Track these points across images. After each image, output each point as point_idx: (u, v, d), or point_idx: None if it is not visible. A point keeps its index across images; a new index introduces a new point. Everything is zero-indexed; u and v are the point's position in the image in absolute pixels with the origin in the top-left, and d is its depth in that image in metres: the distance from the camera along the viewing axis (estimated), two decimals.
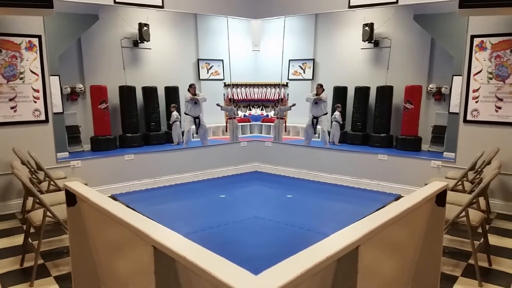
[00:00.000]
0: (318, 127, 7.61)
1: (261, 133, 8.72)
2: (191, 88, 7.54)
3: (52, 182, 4.55)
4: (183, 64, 8.31)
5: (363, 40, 7.44)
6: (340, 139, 7.70)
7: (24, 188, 3.70)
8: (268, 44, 8.52)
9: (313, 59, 8.37)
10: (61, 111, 6.32)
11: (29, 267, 3.59)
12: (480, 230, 3.60)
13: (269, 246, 4.22)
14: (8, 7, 4.52)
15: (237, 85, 8.51)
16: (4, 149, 5.13)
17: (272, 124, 8.38)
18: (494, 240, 4.25)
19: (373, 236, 1.51)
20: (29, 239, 3.84)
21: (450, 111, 6.26)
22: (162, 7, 6.42)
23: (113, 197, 5.78)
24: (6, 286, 3.33)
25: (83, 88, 7.14)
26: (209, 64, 8.43)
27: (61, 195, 2.37)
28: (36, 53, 5.38)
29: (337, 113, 7.68)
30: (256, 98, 8.79)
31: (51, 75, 5.61)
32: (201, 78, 8.38)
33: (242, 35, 8.39)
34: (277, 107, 8.29)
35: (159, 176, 6.63)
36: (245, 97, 8.68)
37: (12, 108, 5.29)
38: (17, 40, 5.25)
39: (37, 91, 5.44)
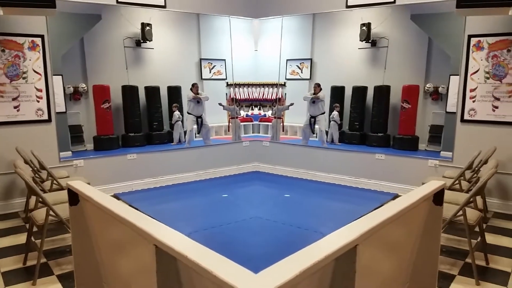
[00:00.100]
0: (316, 126, 7.62)
1: (259, 132, 8.73)
2: (194, 87, 7.55)
3: (55, 181, 4.58)
4: (185, 63, 8.31)
5: (360, 40, 7.45)
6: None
7: (27, 187, 3.72)
8: (265, 44, 8.52)
9: (311, 59, 8.38)
10: (64, 110, 6.32)
11: (32, 265, 3.60)
12: (477, 229, 3.62)
13: (268, 245, 4.23)
14: (11, 7, 4.54)
15: (239, 85, 8.51)
16: (7, 148, 5.16)
17: (270, 123, 8.39)
18: (491, 238, 4.27)
19: (371, 235, 1.52)
20: (32, 238, 3.85)
21: (447, 110, 6.27)
22: (164, 7, 6.44)
23: (116, 196, 5.82)
24: (9, 285, 3.34)
25: (86, 88, 7.14)
26: (211, 63, 8.43)
27: (64, 194, 2.37)
28: (39, 52, 5.41)
29: (335, 113, 7.69)
30: (254, 97, 8.79)
31: (54, 75, 5.63)
32: (203, 77, 8.38)
33: (244, 34, 8.39)
34: (274, 106, 8.29)
35: (162, 175, 6.65)
36: (247, 97, 8.68)
37: (15, 107, 5.32)
38: (20, 40, 5.27)
39: (40, 90, 5.46)
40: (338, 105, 7.75)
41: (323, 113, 7.61)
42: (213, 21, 8.16)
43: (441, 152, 6.20)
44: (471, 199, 3.59)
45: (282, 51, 8.05)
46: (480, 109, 5.37)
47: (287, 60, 8.42)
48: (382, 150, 6.74)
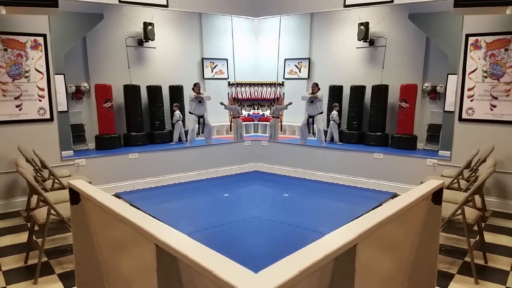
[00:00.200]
0: (314, 126, 7.62)
1: (258, 132, 8.73)
2: (195, 87, 7.56)
3: (56, 180, 4.59)
4: (187, 63, 8.31)
5: (358, 39, 7.46)
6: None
7: (28, 186, 3.73)
8: (264, 43, 8.52)
9: (309, 58, 8.39)
10: (66, 109, 6.32)
11: (33, 264, 3.61)
12: (476, 227, 3.63)
13: (268, 245, 4.24)
14: (14, 6, 4.56)
15: (241, 84, 8.51)
16: (9, 147, 5.18)
17: (268, 123, 8.39)
18: (489, 237, 4.28)
19: (370, 234, 1.52)
20: (33, 237, 3.86)
21: (445, 109, 6.28)
22: (166, 6, 6.46)
23: (117, 196, 5.82)
24: (10, 283, 3.35)
25: (88, 87, 7.14)
26: (213, 63, 8.43)
27: (65, 193, 2.38)
28: (41, 52, 5.42)
29: (334, 112, 7.69)
30: (255, 97, 8.79)
31: (56, 74, 5.64)
32: (205, 77, 8.38)
33: (246, 34, 8.39)
34: (273, 106, 8.30)
35: (163, 174, 6.67)
36: (249, 96, 8.68)
37: (17, 106, 5.33)
38: (22, 39, 5.28)
39: (42, 89, 5.47)
40: (337, 104, 7.76)
41: (321, 112, 7.61)
42: (215, 20, 8.16)
43: (439, 151, 6.21)
44: (470, 198, 3.60)
45: (280, 50, 8.06)
46: (478, 108, 5.39)
47: (285, 59, 8.42)
48: (381, 149, 6.75)
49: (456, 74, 5.58)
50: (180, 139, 7.67)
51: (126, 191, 6.21)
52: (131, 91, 7.49)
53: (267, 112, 8.68)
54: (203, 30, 8.29)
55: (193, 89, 7.57)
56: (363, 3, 6.34)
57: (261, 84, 8.64)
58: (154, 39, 7.53)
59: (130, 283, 1.86)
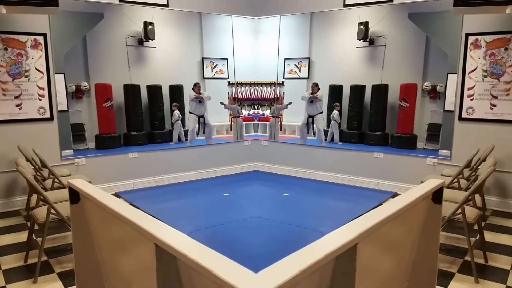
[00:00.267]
0: (314, 125, 7.62)
1: (257, 131, 8.72)
2: (196, 87, 7.56)
3: (56, 180, 4.60)
4: (187, 62, 8.30)
5: (358, 39, 7.45)
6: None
7: (28, 185, 3.73)
8: (263, 43, 8.52)
9: (309, 58, 8.38)
10: (66, 109, 6.31)
11: (33, 263, 3.62)
12: (476, 227, 3.63)
13: (269, 244, 4.24)
14: (14, 5, 4.57)
15: (241, 84, 8.50)
16: (9, 146, 5.19)
17: (268, 122, 8.39)
18: (489, 236, 4.28)
19: (370, 233, 1.52)
20: (33, 236, 3.88)
21: (445, 109, 6.28)
22: (167, 5, 6.48)
23: (117, 195, 5.85)
24: (10, 282, 3.36)
25: (88, 86, 7.14)
26: (213, 62, 8.43)
27: (65, 193, 2.39)
28: (41, 51, 5.44)
29: (335, 112, 7.68)
30: (255, 97, 8.78)
31: (56, 73, 5.66)
32: (205, 76, 8.37)
33: (247, 33, 8.38)
34: (273, 106, 8.29)
35: (163, 174, 6.68)
36: (249, 96, 8.67)
37: (17, 105, 5.34)
38: (22, 38, 5.29)
39: (42, 89, 5.49)
40: (338, 104, 7.75)
41: (321, 112, 7.61)
42: (216, 20, 8.15)
43: (440, 150, 6.20)
44: (470, 197, 3.60)
45: (280, 50, 8.05)
46: (478, 108, 5.39)
47: (285, 59, 8.41)
48: (381, 149, 6.74)
49: (456, 73, 5.58)
50: (179, 139, 7.67)
51: (126, 190, 6.22)
52: (131, 90, 7.49)
53: (267, 112, 8.67)
54: (203, 29, 8.28)
55: (193, 89, 7.57)
56: (363, 3, 6.34)
57: (261, 84, 8.64)
58: (154, 39, 7.53)
59: (129, 283, 1.85)
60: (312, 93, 7.54)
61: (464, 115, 5.49)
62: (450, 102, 5.88)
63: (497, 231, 4.54)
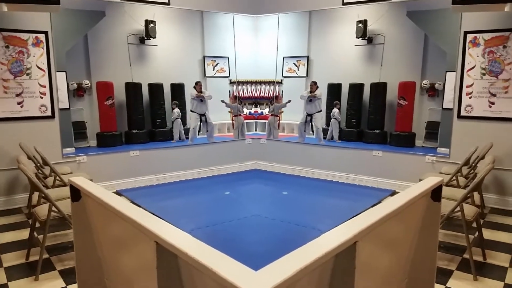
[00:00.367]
0: (312, 124, 7.62)
1: (256, 130, 8.72)
2: (197, 85, 7.57)
3: (57, 177, 4.60)
4: (189, 61, 8.31)
5: (356, 37, 7.46)
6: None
7: (30, 183, 3.75)
8: (262, 41, 8.51)
9: (307, 56, 8.38)
10: (68, 107, 6.34)
11: (34, 261, 3.63)
12: (474, 224, 3.63)
13: (269, 243, 4.24)
14: (16, 3, 4.58)
15: (242, 82, 8.50)
16: (10, 144, 5.20)
17: (267, 121, 8.38)
18: (488, 234, 4.29)
19: (370, 231, 1.52)
20: (35, 234, 3.87)
21: (444, 107, 6.29)
22: (168, 4, 6.48)
23: (118, 193, 5.88)
24: (11, 280, 3.37)
25: (89, 84, 7.16)
26: (215, 61, 8.43)
27: (66, 190, 2.39)
28: (43, 49, 5.44)
29: (336, 111, 7.69)
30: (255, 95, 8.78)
31: (58, 71, 5.66)
32: (206, 75, 8.38)
33: (248, 32, 8.38)
34: (272, 104, 8.29)
35: (164, 172, 6.68)
36: (250, 95, 8.67)
37: (18, 103, 5.34)
38: (24, 36, 5.29)
39: (44, 86, 5.49)
40: (338, 102, 7.76)
41: (320, 111, 7.61)
42: (217, 18, 8.15)
43: (438, 148, 6.22)
44: (469, 195, 3.61)
45: (279, 48, 8.05)
46: (476, 105, 5.39)
47: (283, 57, 8.41)
48: (379, 147, 6.75)
49: (454, 71, 5.58)
50: (179, 138, 7.67)
51: (127, 188, 6.22)
52: (132, 88, 7.51)
53: (266, 110, 8.66)
54: (205, 28, 8.29)
55: (194, 87, 7.57)
56: (362, 1, 6.34)
57: (260, 82, 8.63)
58: (155, 37, 7.54)
59: (130, 280, 1.86)
60: (310, 92, 7.54)
61: (463, 113, 5.50)
62: (449, 100, 5.89)
63: (496, 228, 4.55)
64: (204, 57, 8.37)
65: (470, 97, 5.43)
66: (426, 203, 2.12)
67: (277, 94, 8.35)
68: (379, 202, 4.75)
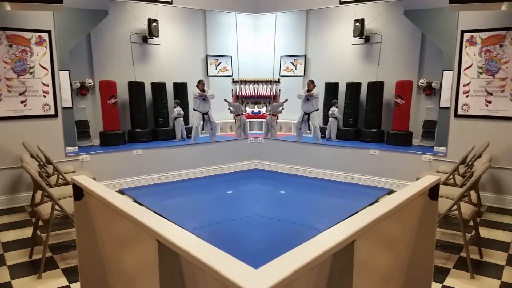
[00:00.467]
0: (310, 123, 7.63)
1: (254, 129, 8.73)
2: (200, 84, 7.57)
3: (60, 176, 4.60)
4: (191, 60, 8.32)
5: (354, 36, 7.47)
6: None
7: (33, 182, 3.75)
8: (260, 40, 8.52)
9: (305, 55, 8.39)
10: (71, 105, 6.32)
11: (37, 259, 3.64)
12: (471, 223, 3.65)
13: (269, 241, 4.25)
14: (19, 2, 4.57)
15: (244, 82, 8.49)
16: (14, 142, 5.20)
17: (264, 120, 8.38)
18: (485, 232, 4.31)
19: (368, 230, 1.53)
20: (38, 232, 3.87)
21: (441, 105, 6.30)
22: (171, 3, 6.48)
23: (121, 192, 5.88)
24: (15, 278, 3.37)
25: (92, 83, 7.17)
26: (217, 60, 8.43)
27: (69, 189, 2.39)
28: (46, 48, 5.43)
29: (335, 109, 7.69)
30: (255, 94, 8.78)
31: (61, 70, 5.66)
32: (209, 74, 8.38)
33: (250, 31, 8.38)
34: (270, 103, 8.29)
35: (167, 171, 6.69)
36: (252, 94, 8.67)
37: (22, 102, 5.34)
38: (27, 35, 5.29)
39: (47, 85, 5.49)
40: (337, 101, 7.77)
41: (317, 109, 7.62)
42: (220, 17, 8.15)
43: (435, 147, 6.23)
44: (465, 194, 3.62)
45: (276, 47, 8.05)
46: (473, 104, 5.41)
47: (281, 56, 8.42)
48: (376, 146, 6.77)
49: (451, 70, 5.60)
50: (181, 137, 7.68)
51: (130, 187, 6.22)
52: (135, 87, 7.52)
53: (263, 110, 8.67)
54: (207, 27, 8.29)
55: (197, 86, 7.57)
56: (359, 0, 6.34)
57: (258, 82, 8.64)
58: (158, 36, 7.56)
59: (132, 279, 1.87)
60: (308, 90, 7.55)
61: (460, 111, 5.52)
62: (446, 99, 5.90)
63: (492, 227, 4.57)
64: (207, 56, 8.37)
65: (467, 96, 5.44)
66: (423, 202, 2.12)
67: (274, 93, 8.35)
68: (377, 201, 4.77)
